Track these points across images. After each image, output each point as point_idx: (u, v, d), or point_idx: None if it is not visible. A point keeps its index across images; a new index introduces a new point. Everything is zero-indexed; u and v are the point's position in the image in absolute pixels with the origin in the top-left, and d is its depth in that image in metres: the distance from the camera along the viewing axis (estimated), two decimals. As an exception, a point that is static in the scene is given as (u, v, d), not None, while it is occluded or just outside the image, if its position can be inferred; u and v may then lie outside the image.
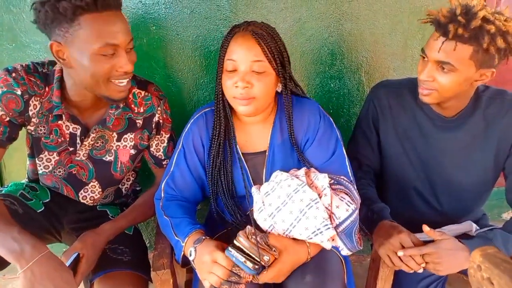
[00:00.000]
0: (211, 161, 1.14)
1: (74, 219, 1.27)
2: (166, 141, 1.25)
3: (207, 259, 0.93)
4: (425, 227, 1.04)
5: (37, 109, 1.08)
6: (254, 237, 0.92)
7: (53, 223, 1.23)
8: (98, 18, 0.92)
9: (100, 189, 1.24)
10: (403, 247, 1.03)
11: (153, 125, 1.21)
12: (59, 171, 1.19)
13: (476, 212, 1.33)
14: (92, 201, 1.27)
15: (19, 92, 1.04)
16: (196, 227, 1.03)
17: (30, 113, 1.08)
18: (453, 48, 1.00)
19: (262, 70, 1.02)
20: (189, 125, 1.18)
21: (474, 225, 1.20)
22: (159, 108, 1.20)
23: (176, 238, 1.04)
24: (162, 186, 1.17)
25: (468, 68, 1.02)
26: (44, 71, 1.08)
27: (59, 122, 1.12)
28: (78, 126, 1.13)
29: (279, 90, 1.11)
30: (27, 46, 1.42)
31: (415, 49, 1.67)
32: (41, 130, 1.12)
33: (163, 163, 1.27)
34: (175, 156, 1.17)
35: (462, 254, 1.02)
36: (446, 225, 1.20)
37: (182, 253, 1.02)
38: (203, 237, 0.99)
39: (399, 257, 1.03)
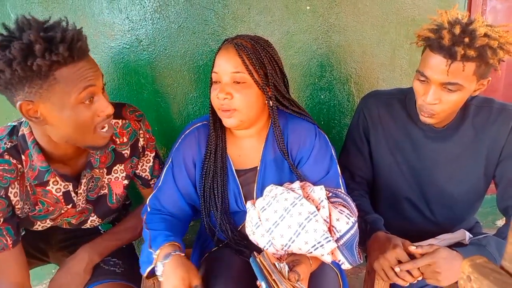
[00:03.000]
0: (204, 176, 1.12)
1: (64, 237, 1.24)
2: (151, 160, 1.21)
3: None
4: (411, 248, 1.02)
5: (18, 193, 0.99)
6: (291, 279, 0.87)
7: (38, 246, 1.20)
8: (73, 68, 0.86)
9: (100, 220, 1.21)
10: (398, 261, 1.02)
11: (140, 150, 1.17)
12: (57, 224, 1.16)
13: (469, 220, 1.33)
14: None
15: None
16: (169, 239, 0.98)
17: (13, 202, 0.99)
18: (462, 69, 0.99)
19: (242, 81, 1.02)
20: (180, 140, 1.15)
21: (468, 234, 1.19)
22: (140, 131, 1.15)
23: (149, 250, 0.99)
24: (148, 200, 1.15)
25: (472, 82, 1.03)
26: (8, 146, 0.97)
27: (47, 187, 1.04)
28: (68, 183, 1.06)
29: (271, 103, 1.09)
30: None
31: (403, 59, 1.68)
32: (25, 209, 1.03)
33: (151, 183, 1.23)
34: (164, 172, 1.15)
35: (458, 262, 1.00)
36: (439, 234, 1.20)
37: (152, 266, 0.97)
38: (173, 253, 0.95)
39: (395, 272, 1.02)
